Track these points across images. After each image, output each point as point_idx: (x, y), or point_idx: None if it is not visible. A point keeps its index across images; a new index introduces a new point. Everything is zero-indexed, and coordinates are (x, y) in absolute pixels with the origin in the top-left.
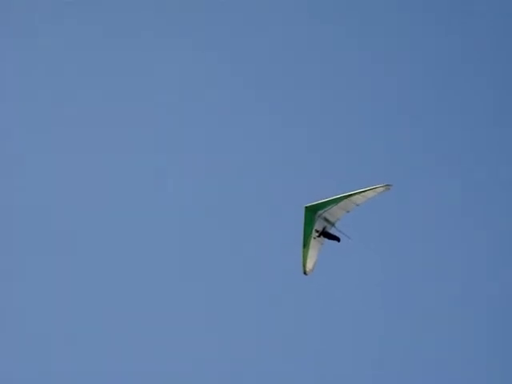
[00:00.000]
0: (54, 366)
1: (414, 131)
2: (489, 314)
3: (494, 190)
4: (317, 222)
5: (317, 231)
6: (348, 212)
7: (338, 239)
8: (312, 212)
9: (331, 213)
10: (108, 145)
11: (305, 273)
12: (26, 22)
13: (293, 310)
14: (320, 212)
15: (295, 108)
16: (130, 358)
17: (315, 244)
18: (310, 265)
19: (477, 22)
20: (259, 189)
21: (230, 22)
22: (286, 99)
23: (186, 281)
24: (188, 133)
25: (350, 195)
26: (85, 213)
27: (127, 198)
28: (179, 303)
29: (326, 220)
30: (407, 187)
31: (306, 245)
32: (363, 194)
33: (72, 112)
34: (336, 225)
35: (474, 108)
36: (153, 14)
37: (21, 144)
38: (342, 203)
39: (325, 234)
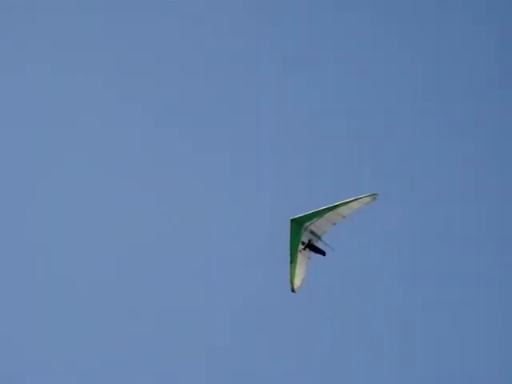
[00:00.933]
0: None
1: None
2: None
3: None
4: (303, 235)
5: (303, 243)
6: (334, 224)
7: (323, 253)
8: (298, 225)
9: (317, 225)
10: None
11: (293, 290)
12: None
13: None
14: (306, 224)
15: (284, 111)
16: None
17: (303, 259)
18: (297, 282)
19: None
20: (243, 199)
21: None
22: (275, 105)
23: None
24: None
25: (336, 206)
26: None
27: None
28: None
29: (313, 233)
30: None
31: (293, 260)
32: (348, 205)
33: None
34: (322, 238)
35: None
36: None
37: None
38: (327, 215)
39: (310, 246)
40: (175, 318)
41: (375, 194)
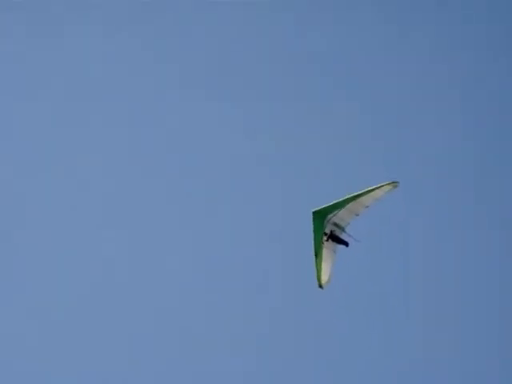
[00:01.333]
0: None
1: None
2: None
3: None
4: (326, 228)
5: (325, 234)
6: (357, 215)
7: (346, 244)
8: (321, 217)
9: (340, 217)
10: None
11: (320, 286)
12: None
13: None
14: (329, 216)
15: (296, 106)
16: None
17: (328, 253)
18: (325, 277)
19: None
20: (264, 193)
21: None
22: (287, 97)
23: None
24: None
25: (358, 196)
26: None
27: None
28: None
29: (336, 225)
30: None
31: (318, 254)
32: (370, 194)
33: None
34: (346, 230)
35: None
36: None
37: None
38: (350, 205)
39: (333, 237)
40: (204, 312)
41: (396, 182)
